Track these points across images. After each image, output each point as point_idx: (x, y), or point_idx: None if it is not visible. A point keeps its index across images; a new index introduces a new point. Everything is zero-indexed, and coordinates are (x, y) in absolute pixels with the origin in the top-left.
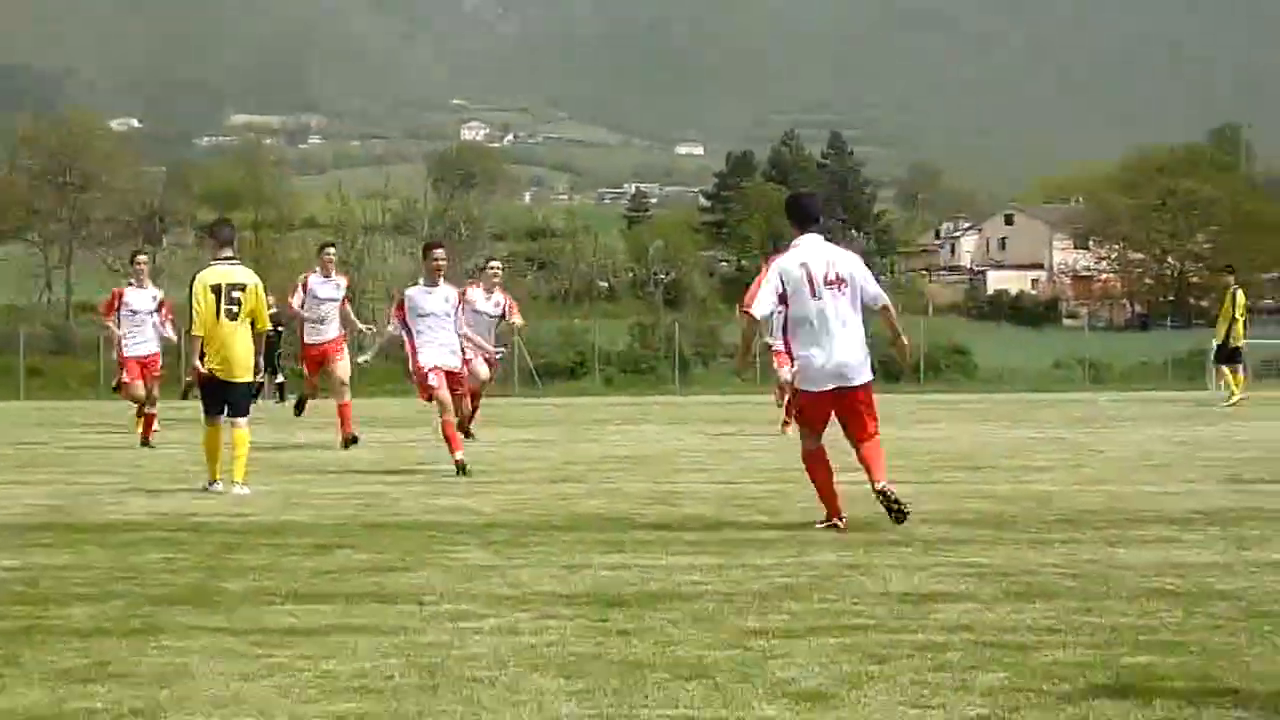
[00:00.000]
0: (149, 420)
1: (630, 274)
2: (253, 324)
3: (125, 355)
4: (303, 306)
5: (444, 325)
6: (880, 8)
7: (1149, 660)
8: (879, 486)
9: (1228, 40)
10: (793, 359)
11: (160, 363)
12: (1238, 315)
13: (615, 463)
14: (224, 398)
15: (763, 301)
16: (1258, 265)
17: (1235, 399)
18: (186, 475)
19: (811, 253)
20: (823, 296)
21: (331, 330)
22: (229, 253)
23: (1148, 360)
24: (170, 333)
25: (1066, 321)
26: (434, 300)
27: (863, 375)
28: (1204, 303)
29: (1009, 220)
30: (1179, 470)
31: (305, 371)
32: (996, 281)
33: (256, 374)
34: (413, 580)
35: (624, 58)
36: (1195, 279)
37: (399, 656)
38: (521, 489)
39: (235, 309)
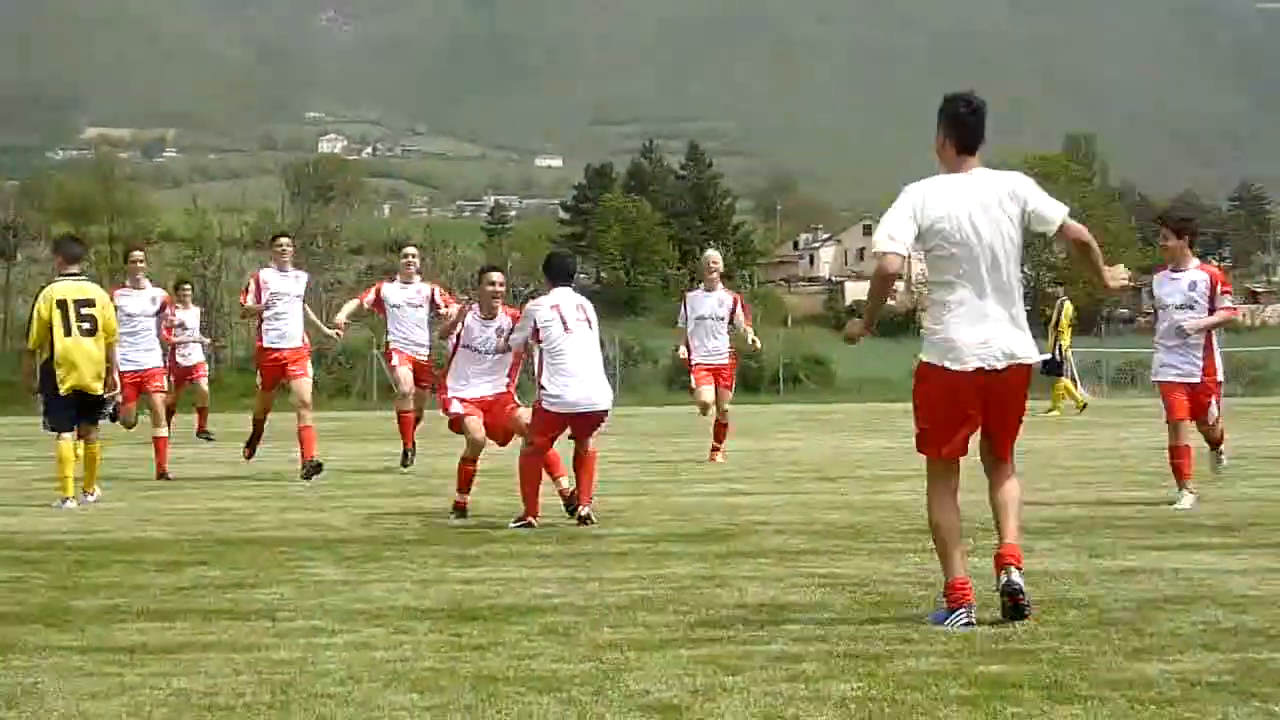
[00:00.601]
0: (159, 445)
1: None
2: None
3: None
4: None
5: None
6: (732, 17)
7: (1001, 669)
8: (582, 510)
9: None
10: (543, 387)
11: (164, 375)
12: (1064, 327)
13: None
14: (77, 410)
15: (515, 338)
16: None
17: (1055, 410)
18: (38, 492)
19: (563, 298)
20: (574, 330)
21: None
22: (76, 269)
23: None
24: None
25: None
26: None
27: (606, 402)
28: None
29: (868, 231)
30: (1031, 479)
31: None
32: (855, 292)
33: (110, 388)
34: (265, 596)
35: (482, 70)
36: (1050, 289)
37: (251, 674)
38: (376, 503)
39: (88, 324)
